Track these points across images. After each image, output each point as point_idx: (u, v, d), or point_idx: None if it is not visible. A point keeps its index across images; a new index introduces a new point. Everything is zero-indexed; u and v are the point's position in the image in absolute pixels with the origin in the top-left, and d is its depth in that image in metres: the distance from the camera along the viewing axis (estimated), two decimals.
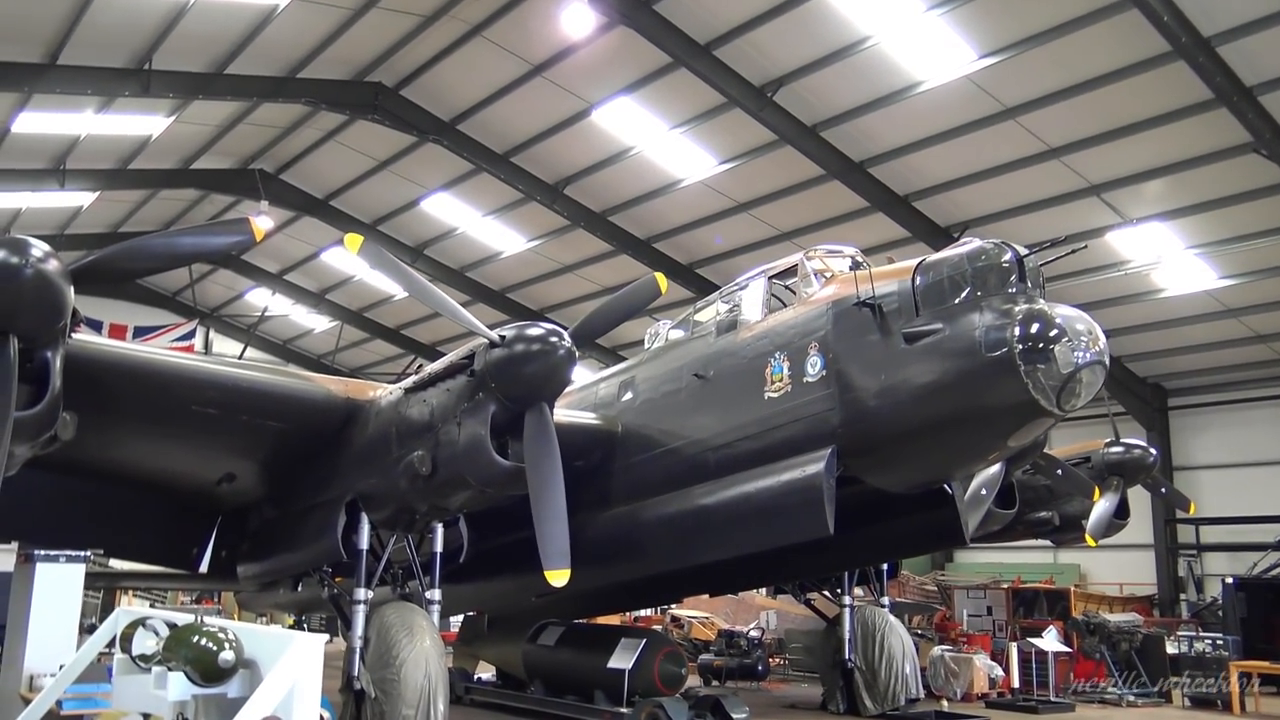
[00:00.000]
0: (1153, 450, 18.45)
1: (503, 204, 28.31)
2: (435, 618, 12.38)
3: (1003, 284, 10.69)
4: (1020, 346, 10.16)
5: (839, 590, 17.26)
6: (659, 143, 24.00)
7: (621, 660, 14.02)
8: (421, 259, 32.19)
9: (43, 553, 10.48)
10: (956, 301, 10.79)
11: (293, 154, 28.59)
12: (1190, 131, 19.68)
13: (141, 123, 24.82)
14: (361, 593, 12.08)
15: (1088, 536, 17.33)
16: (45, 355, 9.11)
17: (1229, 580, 22.89)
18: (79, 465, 12.68)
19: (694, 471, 12.95)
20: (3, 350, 8.62)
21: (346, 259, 34.49)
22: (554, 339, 10.65)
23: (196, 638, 5.74)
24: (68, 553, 10.59)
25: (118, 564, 19.81)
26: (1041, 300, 10.69)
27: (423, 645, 11.46)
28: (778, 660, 23.12)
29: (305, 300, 38.26)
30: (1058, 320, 10.24)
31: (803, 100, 21.39)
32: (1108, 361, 10.50)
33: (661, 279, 12.56)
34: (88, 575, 11.78)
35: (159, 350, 12.32)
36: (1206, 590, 28.21)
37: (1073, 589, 24.70)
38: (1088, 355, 10.27)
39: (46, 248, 8.75)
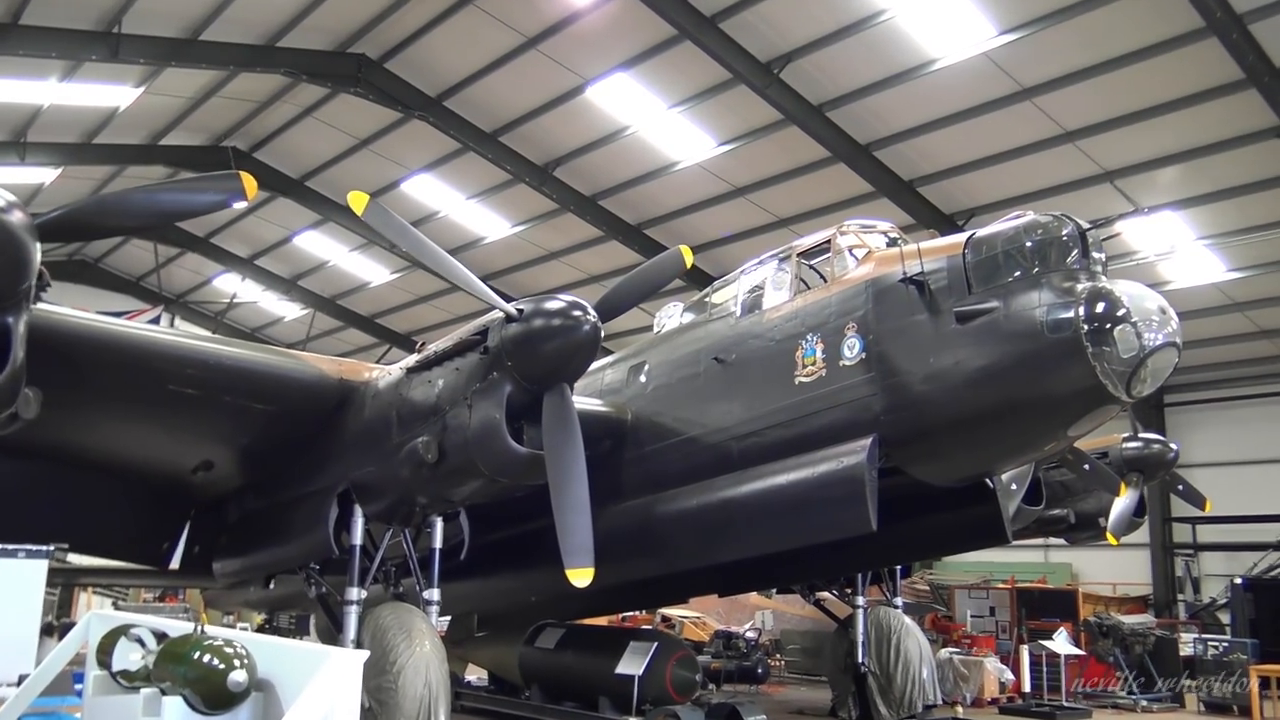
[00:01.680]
0: (1173, 445, 17.77)
1: (488, 186, 27.12)
2: (434, 619, 11.37)
3: (1063, 259, 9.86)
4: (1087, 327, 9.32)
5: (850, 590, 16.39)
6: (656, 122, 22.97)
7: (631, 665, 13.04)
8: None
9: None
10: (1013, 278, 9.93)
11: (268, 131, 27.25)
12: (1213, 115, 18.97)
13: (109, 93, 23.41)
14: (354, 592, 11.04)
15: (1109, 534, 16.61)
16: (6, 321, 8.00)
17: (1238, 581, 22.27)
18: (39, 449, 11.56)
19: (716, 462, 11.98)
20: None
21: (320, 243, 33.30)
22: (577, 313, 9.67)
23: (198, 653, 4.65)
24: (27, 547, 9.41)
25: (74, 558, 18.52)
26: (1105, 277, 9.87)
27: (422, 650, 10.44)
28: (776, 662, 22.22)
29: (276, 286, 36.80)
30: (1126, 299, 9.41)
31: (810, 78, 20.45)
32: (1181, 343, 9.69)
33: (687, 252, 11.57)
34: None
35: (133, 324, 11.16)
36: (1204, 591, 27.69)
37: (1078, 589, 23.98)
38: (1160, 337, 9.48)
39: (10, 196, 7.67)
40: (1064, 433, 10.20)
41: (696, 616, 24.43)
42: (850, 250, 11.72)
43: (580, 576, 9.31)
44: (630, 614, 24.87)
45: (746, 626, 22.24)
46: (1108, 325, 9.32)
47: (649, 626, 23.21)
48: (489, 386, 9.71)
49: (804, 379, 11.27)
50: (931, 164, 22.45)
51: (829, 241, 12.04)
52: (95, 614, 6.41)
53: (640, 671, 12.90)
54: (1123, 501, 16.36)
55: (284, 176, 29.01)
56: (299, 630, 25.76)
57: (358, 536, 11.05)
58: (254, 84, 24.21)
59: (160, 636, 5.16)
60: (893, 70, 19.76)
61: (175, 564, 14.06)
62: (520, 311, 9.69)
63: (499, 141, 24.81)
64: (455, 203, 28.28)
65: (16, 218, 7.56)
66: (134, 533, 13.38)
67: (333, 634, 13.75)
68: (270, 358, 11.43)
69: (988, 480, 11.68)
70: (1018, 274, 9.92)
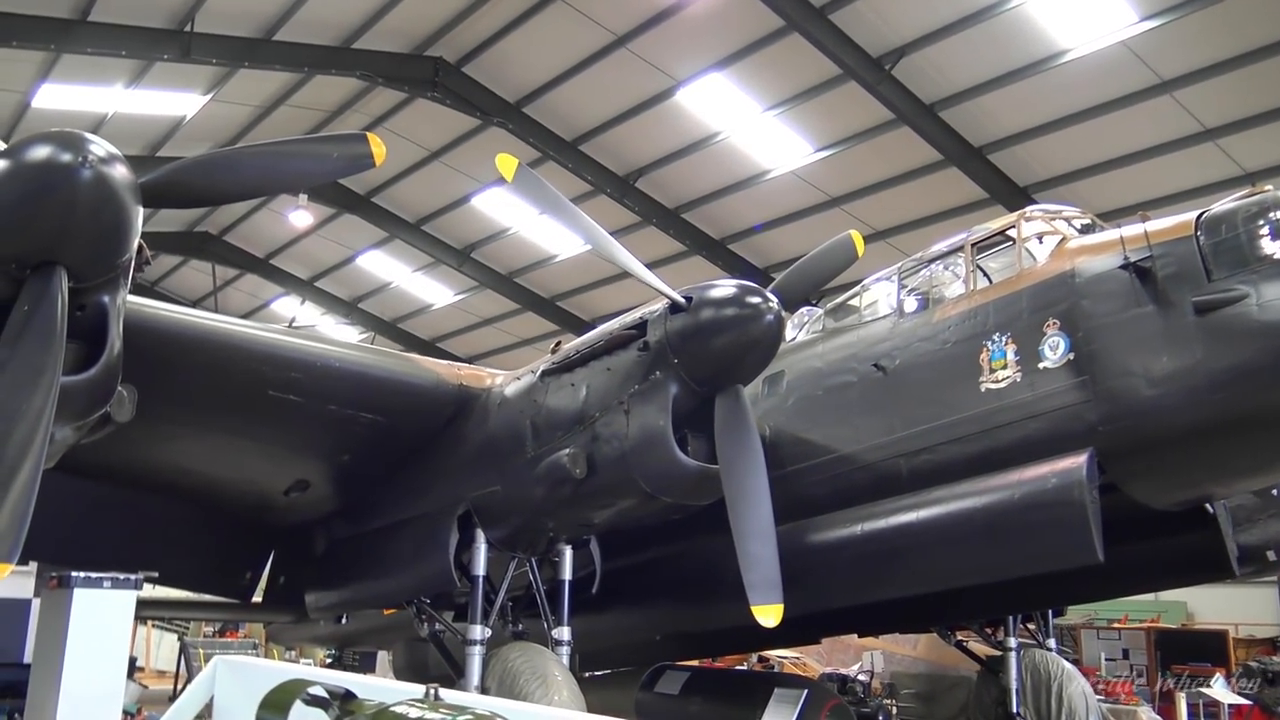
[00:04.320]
0: None
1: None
2: (566, 661, 9.91)
3: None
4: None
5: (993, 630, 14.63)
6: (749, 127, 21.66)
7: (779, 716, 11.41)
8: (468, 262, 29.78)
9: (82, 575, 7.96)
10: (1264, 261, 8.34)
11: None
12: None
13: (175, 100, 22.48)
14: (478, 630, 9.61)
15: None
16: (102, 301, 6.70)
17: None
18: (119, 468, 10.20)
19: (878, 483, 10.38)
20: (45, 289, 6.17)
21: (384, 263, 32.22)
22: (755, 300, 8.27)
23: None
24: (114, 575, 8.04)
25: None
26: None
27: (560, 699, 8.97)
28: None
29: (336, 310, 35.72)
30: None
31: (923, 74, 19.02)
32: None
33: (857, 238, 10.16)
34: None
35: (227, 318, 9.82)
36: None
37: (1229, 631, 22.02)
38: None
39: (112, 148, 6.35)
40: None
41: (796, 657, 22.68)
42: (1040, 237, 10.22)
43: (768, 614, 7.84)
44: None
45: (855, 669, 20.43)
46: None
47: (742, 667, 21.51)
48: (650, 388, 8.30)
49: (992, 385, 9.69)
50: (1047, 168, 20.86)
51: (1008, 230, 10.55)
52: (222, 660, 5.02)
53: None
54: None
55: (350, 193, 27.99)
56: (364, 667, 24.34)
57: (481, 566, 9.64)
58: (323, 92, 23.16)
59: (342, 696, 3.72)
60: (1017, 64, 18.27)
61: (258, 596, 12.73)
62: (688, 300, 8.28)
63: (579, 150, 23.57)
64: (528, 218, 26.97)
65: (119, 173, 6.26)
66: (217, 562, 12.00)
67: (431, 675, 12.35)
68: (383, 360, 10.08)
69: (1207, 505, 10.07)
70: (1270, 256, 8.35)
